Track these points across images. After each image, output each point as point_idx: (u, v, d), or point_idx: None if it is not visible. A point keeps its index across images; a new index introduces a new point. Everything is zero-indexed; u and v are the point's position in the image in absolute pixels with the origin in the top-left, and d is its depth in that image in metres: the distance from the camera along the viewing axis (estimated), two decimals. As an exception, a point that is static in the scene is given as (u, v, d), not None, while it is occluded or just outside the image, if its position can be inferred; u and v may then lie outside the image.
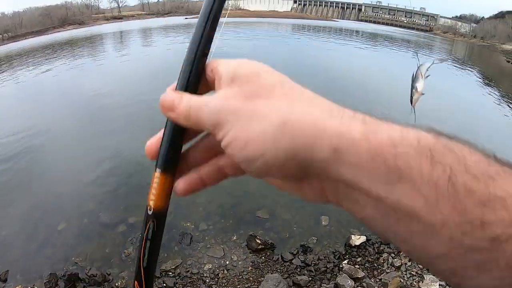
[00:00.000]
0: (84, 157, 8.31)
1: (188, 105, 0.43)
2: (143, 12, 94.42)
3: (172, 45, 29.10)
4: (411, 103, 1.84)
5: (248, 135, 0.39)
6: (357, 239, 5.31)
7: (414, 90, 1.62)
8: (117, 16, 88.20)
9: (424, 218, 0.34)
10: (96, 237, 5.59)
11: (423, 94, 1.70)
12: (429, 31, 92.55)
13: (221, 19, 0.50)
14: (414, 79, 1.76)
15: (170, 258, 5.07)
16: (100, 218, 5.99)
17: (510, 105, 16.48)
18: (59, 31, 64.24)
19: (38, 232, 5.74)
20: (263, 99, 0.40)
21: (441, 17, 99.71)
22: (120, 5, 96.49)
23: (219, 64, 0.46)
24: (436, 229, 0.33)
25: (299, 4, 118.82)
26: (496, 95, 18.90)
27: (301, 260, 4.99)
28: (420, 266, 4.76)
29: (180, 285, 4.64)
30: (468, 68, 29.21)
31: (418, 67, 1.73)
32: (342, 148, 0.36)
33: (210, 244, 5.30)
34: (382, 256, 5.11)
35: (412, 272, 4.70)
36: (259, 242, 5.13)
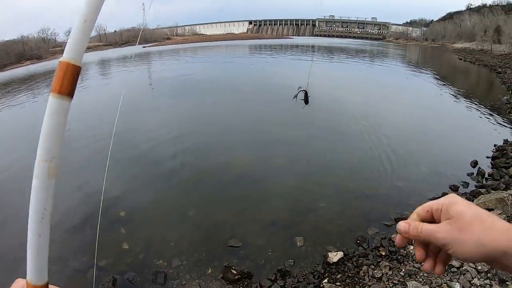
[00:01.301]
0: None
1: (419, 230, 0.79)
2: (100, 44, 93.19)
3: (133, 77, 28.84)
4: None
5: (462, 250, 0.73)
6: (335, 256, 5.27)
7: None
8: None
9: None
10: (64, 284, 5.26)
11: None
12: (383, 39, 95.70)
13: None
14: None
15: (144, 300, 4.87)
16: (69, 264, 5.70)
17: (464, 98, 17.26)
18: (17, 67, 62.38)
19: (-1, 284, 5.41)
20: (468, 230, 0.72)
21: (392, 24, 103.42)
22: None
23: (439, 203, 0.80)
24: None
25: (254, 25, 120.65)
26: (451, 89, 19.77)
27: (280, 286, 4.88)
28: (402, 274, 4.76)
29: (159, 328, 4.44)
30: (423, 70, 30.40)
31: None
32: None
33: (185, 280, 5.10)
34: (361, 270, 5.08)
35: (394, 281, 4.68)
36: (235, 272, 4.99)
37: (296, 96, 5.69)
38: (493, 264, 0.73)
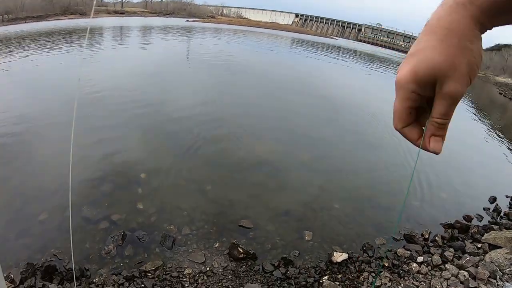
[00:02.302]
0: (73, 150, 8.23)
1: None
2: (145, 10, 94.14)
3: (171, 47, 29.11)
4: None
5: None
6: (339, 256, 5.32)
7: None
8: (119, 11, 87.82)
9: None
10: (76, 231, 5.50)
11: None
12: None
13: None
14: None
15: (150, 259, 5.03)
16: (83, 212, 5.91)
17: (497, 134, 16.85)
18: (60, 19, 63.61)
19: (18, 220, 5.64)
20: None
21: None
22: (124, 0, 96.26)
23: None
24: None
25: (300, 18, 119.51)
26: (485, 123, 19.31)
27: (282, 273, 4.98)
28: (400, 287, 4.81)
29: (159, 287, 4.60)
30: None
31: None
32: None
33: (192, 249, 5.26)
34: (362, 275, 5.12)
35: (390, 293, 4.73)
36: (241, 251, 5.11)
37: None
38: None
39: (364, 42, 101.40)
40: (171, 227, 5.64)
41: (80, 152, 8.03)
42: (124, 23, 50.11)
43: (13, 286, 4.36)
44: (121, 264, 4.94)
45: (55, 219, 5.74)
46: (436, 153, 0.70)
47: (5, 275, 4.49)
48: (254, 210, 6.32)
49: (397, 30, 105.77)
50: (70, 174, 3.09)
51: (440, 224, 6.71)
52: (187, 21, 72.55)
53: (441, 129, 0.68)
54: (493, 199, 8.26)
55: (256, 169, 8.03)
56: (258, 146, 9.31)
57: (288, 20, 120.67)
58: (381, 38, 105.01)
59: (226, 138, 9.66)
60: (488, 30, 0.63)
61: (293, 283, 4.86)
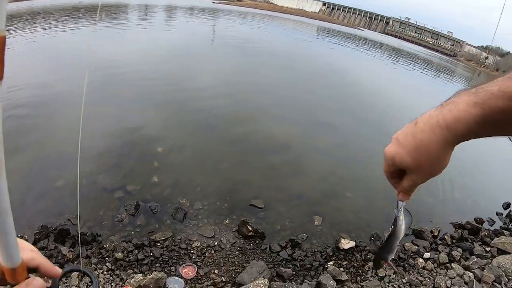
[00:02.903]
0: (90, 120, 8.40)
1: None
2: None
3: (195, 29, 29.13)
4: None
5: (424, 176, 0.86)
6: (346, 243, 5.36)
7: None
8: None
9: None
10: (91, 199, 5.66)
11: None
12: (453, 56, 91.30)
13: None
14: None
15: (160, 230, 5.17)
16: (99, 181, 6.08)
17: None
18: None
19: (36, 185, 5.83)
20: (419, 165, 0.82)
21: (466, 44, 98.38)
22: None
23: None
24: None
25: (327, 7, 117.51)
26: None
27: (288, 254, 5.06)
28: (404, 281, 4.82)
29: (167, 257, 4.71)
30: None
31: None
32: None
33: (202, 223, 5.37)
34: (367, 264, 5.16)
35: (394, 285, 4.75)
36: (250, 229, 5.19)
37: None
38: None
39: (391, 35, 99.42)
40: (184, 201, 5.76)
41: (99, 123, 8.19)
42: (149, 2, 50.06)
43: None
44: (132, 233, 5.08)
45: (71, 185, 5.89)
46: (404, 201, 0.94)
47: (19, 235, 4.66)
48: (267, 191, 6.39)
49: (425, 26, 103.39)
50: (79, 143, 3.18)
51: (451, 223, 6.67)
52: (213, 2, 72.03)
53: (406, 193, 0.91)
54: (507, 205, 8.14)
55: (273, 152, 8.08)
56: (277, 129, 9.33)
57: (315, 7, 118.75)
58: (409, 32, 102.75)
59: (245, 120, 9.70)
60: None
61: (298, 265, 4.93)
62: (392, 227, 1.00)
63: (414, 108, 15.30)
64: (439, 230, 6.23)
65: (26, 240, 4.50)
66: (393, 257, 1.06)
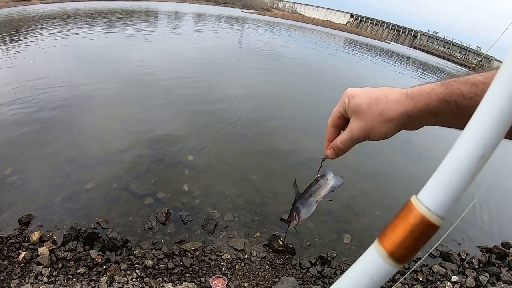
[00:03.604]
0: (125, 125, 8.56)
1: (340, 147, 0.93)
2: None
3: (224, 36, 29.41)
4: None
5: (378, 134, 0.85)
6: (376, 263, 5.28)
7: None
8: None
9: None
10: (122, 203, 5.74)
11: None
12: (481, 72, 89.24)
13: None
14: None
15: (191, 239, 5.18)
16: (129, 186, 6.15)
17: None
18: (118, 0, 65.75)
19: (66, 186, 5.93)
20: (371, 117, 0.83)
21: (495, 60, 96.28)
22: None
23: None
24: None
25: (355, 19, 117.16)
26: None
27: (317, 271, 5.01)
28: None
29: (197, 267, 4.73)
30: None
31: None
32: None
33: (232, 235, 5.38)
34: (395, 284, 5.07)
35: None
36: (281, 243, 5.18)
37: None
38: (406, 127, 0.83)
39: (419, 49, 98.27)
40: (214, 212, 5.78)
41: (131, 128, 8.35)
42: (179, 9, 50.94)
43: (54, 246, 4.60)
44: (162, 241, 5.11)
45: (102, 189, 6.01)
46: (328, 157, 0.97)
47: (48, 235, 4.77)
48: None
49: (453, 40, 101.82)
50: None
51: (478, 246, 6.51)
52: (242, 11, 72.86)
53: (340, 150, 0.93)
54: (540, 230, 7.91)
55: (302, 165, 8.03)
56: (306, 142, 9.29)
57: (343, 19, 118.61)
58: (437, 47, 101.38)
59: (275, 131, 9.70)
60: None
61: (328, 283, 4.88)
62: (314, 181, 1.04)
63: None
64: (467, 253, 6.10)
65: (54, 240, 4.61)
66: (305, 216, 1.04)
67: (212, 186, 6.47)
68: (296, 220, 1.02)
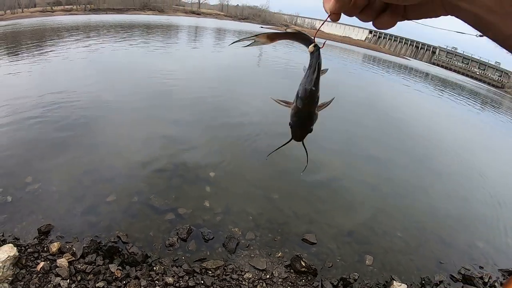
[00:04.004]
0: (146, 139, 8.67)
1: None
2: (221, 13, 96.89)
3: (243, 51, 29.64)
4: None
5: None
6: (398, 286, 5.21)
7: None
8: (196, 11, 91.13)
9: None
10: (142, 218, 5.79)
11: None
12: (501, 87, 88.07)
13: None
14: None
15: (212, 258, 5.19)
16: (150, 201, 6.22)
17: None
18: (138, 14, 67.13)
19: (87, 198, 6.03)
20: None
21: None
22: (201, 1, 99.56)
23: None
24: None
25: (374, 35, 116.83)
26: None
27: (340, 293, 4.97)
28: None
29: (218, 286, 4.73)
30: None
31: None
32: None
33: (254, 254, 5.37)
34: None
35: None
36: (303, 264, 5.14)
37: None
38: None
39: (438, 65, 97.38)
40: (236, 230, 5.79)
41: (152, 142, 8.45)
42: (200, 23, 51.65)
43: (73, 258, 4.65)
44: (183, 258, 5.13)
45: (122, 202, 6.08)
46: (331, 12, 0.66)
47: (67, 246, 4.83)
48: (318, 226, 6.32)
49: (472, 56, 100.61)
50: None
51: (500, 270, 6.37)
52: (261, 27, 73.45)
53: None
54: None
55: (323, 185, 8.00)
56: (327, 162, 9.26)
57: (361, 35, 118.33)
58: (456, 63, 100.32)
59: (296, 150, 9.67)
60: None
61: (350, 306, 4.83)
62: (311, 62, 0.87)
63: (461, 142, 14.90)
64: (489, 277, 5.97)
65: (74, 252, 4.66)
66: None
67: (233, 204, 6.49)
68: (294, 103, 0.90)
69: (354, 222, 6.81)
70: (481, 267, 6.31)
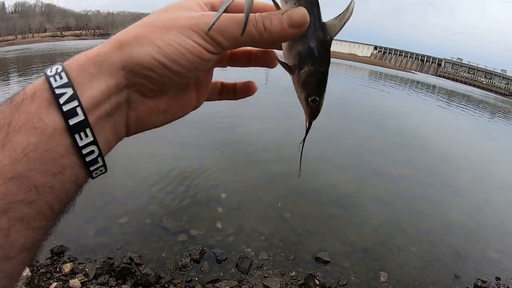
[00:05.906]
0: (156, 160, 8.75)
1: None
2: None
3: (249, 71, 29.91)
4: None
5: None
6: (414, 303, 5.17)
7: None
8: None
9: None
10: (155, 239, 5.82)
11: None
12: (508, 95, 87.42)
13: None
14: None
15: (225, 278, 5.18)
16: (163, 223, 6.24)
17: None
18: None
19: (99, 218, 6.10)
20: None
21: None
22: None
23: None
24: None
25: (379, 51, 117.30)
26: None
27: (355, 312, 4.92)
28: None
29: (232, 307, 4.72)
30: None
31: None
32: None
33: (267, 274, 5.35)
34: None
35: None
36: (318, 283, 5.11)
37: None
38: None
39: (444, 77, 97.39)
40: (249, 250, 5.78)
41: (163, 163, 8.52)
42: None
43: (86, 279, 4.67)
44: (196, 279, 5.12)
45: (134, 223, 6.12)
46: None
47: (80, 267, 4.86)
48: (331, 244, 6.29)
49: (478, 66, 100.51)
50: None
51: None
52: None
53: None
54: None
55: (335, 202, 7.99)
56: (337, 178, 9.26)
57: (367, 52, 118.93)
58: (462, 73, 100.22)
59: (307, 168, 9.67)
60: None
61: (366, 325, 4.78)
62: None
63: (471, 153, 14.79)
64: (507, 287, 5.90)
65: (86, 273, 4.69)
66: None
67: (246, 224, 6.49)
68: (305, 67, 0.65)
69: (368, 238, 6.77)
70: (497, 278, 6.22)
